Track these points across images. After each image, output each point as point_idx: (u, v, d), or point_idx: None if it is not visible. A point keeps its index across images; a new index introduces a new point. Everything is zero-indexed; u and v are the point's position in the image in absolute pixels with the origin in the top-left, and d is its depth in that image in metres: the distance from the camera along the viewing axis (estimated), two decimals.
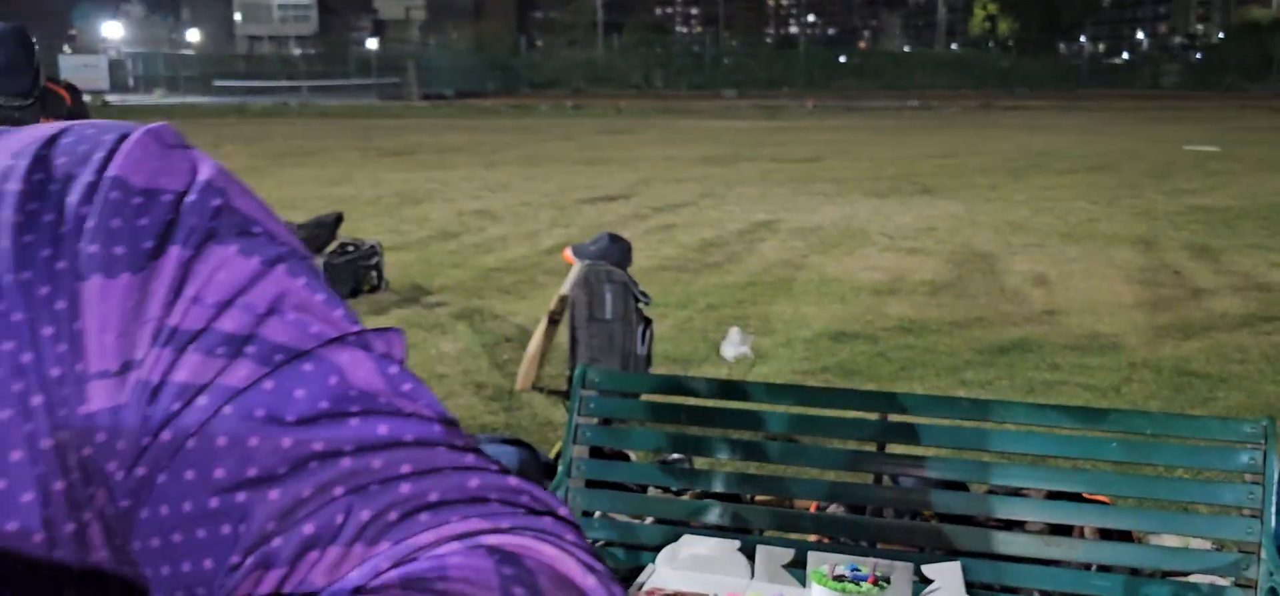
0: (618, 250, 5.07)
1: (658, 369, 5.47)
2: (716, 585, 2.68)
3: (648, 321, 5.17)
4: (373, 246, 7.82)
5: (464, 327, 6.68)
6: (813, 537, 2.88)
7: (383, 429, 0.46)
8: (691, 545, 2.80)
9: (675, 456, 3.35)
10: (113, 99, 40.80)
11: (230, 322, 0.45)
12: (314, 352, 0.46)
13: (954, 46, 64.71)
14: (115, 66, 51.28)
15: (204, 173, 0.48)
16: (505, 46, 59.79)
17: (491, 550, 0.43)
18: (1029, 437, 2.90)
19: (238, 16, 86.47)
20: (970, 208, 12.10)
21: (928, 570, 2.68)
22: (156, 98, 44.97)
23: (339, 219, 7.88)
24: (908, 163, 17.39)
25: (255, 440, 0.43)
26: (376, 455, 0.45)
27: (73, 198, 0.45)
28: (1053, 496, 2.89)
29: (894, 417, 2.86)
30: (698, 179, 15.22)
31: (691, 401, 3.05)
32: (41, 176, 0.45)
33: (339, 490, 0.43)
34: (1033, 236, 10.13)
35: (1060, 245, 9.65)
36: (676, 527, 2.86)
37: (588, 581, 0.44)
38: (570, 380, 4.77)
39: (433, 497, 0.45)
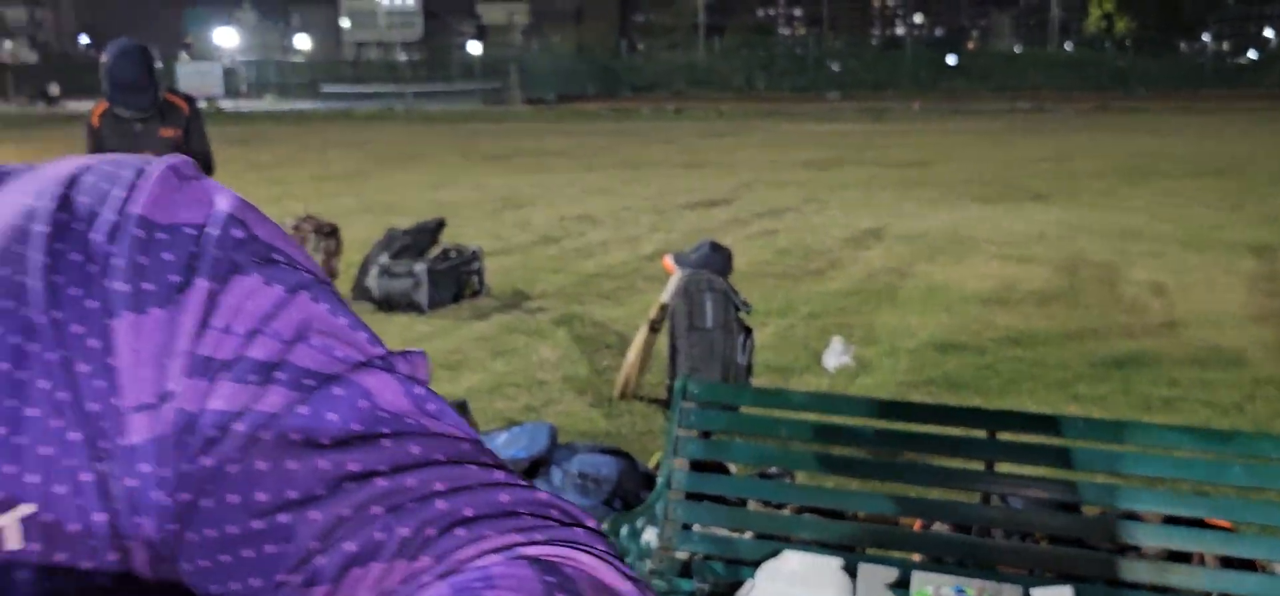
0: (718, 258, 5.04)
1: (758, 378, 5.42)
2: None
3: (748, 330, 5.12)
4: (474, 252, 7.92)
5: (564, 333, 6.72)
6: (917, 557, 2.81)
7: (415, 449, 0.47)
8: (792, 561, 2.76)
9: (775, 470, 3.30)
10: (226, 105, 42.27)
11: (260, 350, 0.46)
12: (342, 377, 0.47)
13: (1068, 46, 63.00)
14: (229, 74, 53.18)
15: (224, 205, 0.49)
16: (606, 50, 60.16)
17: (531, 560, 0.44)
18: (1145, 458, 2.78)
19: (346, 23, 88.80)
20: (1083, 214, 11.75)
21: (1037, 593, 2.60)
22: (267, 103, 46.43)
23: (441, 224, 8.01)
24: (1018, 167, 16.97)
25: (294, 464, 0.45)
26: (411, 474, 0.46)
27: (98, 236, 0.46)
28: (1171, 521, 2.77)
29: (1003, 435, 2.78)
30: (800, 183, 15.08)
31: (793, 414, 3.01)
32: (66, 217, 0.46)
33: (377, 509, 0.45)
34: (1150, 244, 9.77)
35: (1180, 253, 9.29)
36: (777, 543, 2.82)
37: (625, 586, 0.46)
38: (670, 389, 4.75)
39: (468, 513, 0.46)
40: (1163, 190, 13.70)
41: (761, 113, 35.45)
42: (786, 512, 3.02)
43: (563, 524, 0.48)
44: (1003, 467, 2.82)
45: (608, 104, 42.37)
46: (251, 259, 0.48)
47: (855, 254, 9.56)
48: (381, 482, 0.46)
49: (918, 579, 2.61)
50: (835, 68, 52.94)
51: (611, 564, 0.47)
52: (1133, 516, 2.86)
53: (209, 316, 0.46)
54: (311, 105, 43.80)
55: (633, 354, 5.34)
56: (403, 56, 66.07)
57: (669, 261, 5.25)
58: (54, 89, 48.65)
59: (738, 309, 4.97)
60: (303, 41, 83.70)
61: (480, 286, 7.80)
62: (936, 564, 2.77)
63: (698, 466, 2.99)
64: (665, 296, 5.16)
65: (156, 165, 0.49)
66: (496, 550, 0.45)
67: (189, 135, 5.05)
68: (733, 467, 3.44)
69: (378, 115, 36.96)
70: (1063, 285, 8.10)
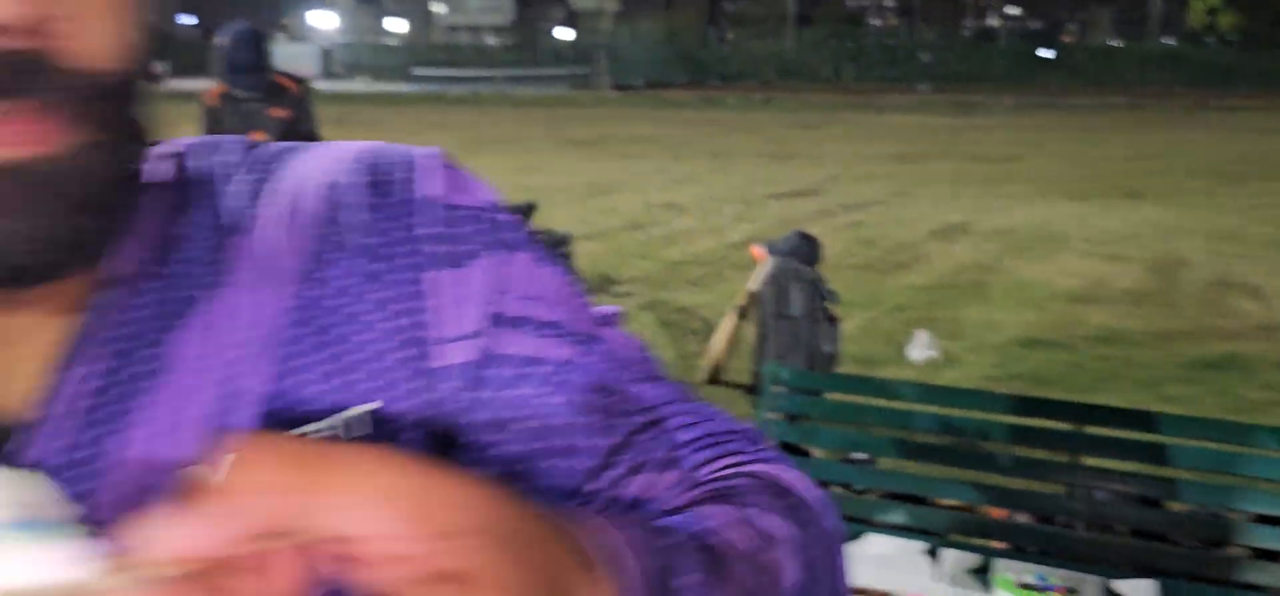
0: (807, 248, 5.10)
1: (842, 368, 5.47)
2: (899, 584, 2.70)
3: (834, 320, 5.18)
4: (564, 236, 8.07)
5: (650, 318, 6.84)
6: (998, 544, 2.86)
7: (656, 391, 0.62)
8: (875, 544, 2.84)
9: (860, 456, 3.38)
10: (322, 86, 43.16)
11: (542, 312, 0.59)
12: (597, 336, 0.61)
13: (1168, 41, 61.16)
14: (326, 55, 54.28)
15: (489, 194, 0.62)
16: (695, 38, 60.03)
17: (753, 475, 0.60)
18: (1235, 457, 2.79)
19: (438, 7, 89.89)
20: (1179, 214, 11.50)
21: (1119, 586, 2.63)
22: (360, 85, 47.22)
23: (531, 208, 8.17)
24: (1112, 164, 16.63)
25: (583, 398, 0.59)
26: (658, 411, 0.61)
27: (405, 209, 0.58)
28: (1261, 519, 2.78)
29: (1089, 429, 2.82)
30: (888, 176, 14.98)
31: (878, 401, 3.08)
32: (375, 192, 0.58)
33: (642, 436, 0.60)
34: (1248, 246, 9.54)
35: (1278, 256, 9.06)
36: (859, 526, 2.89)
37: (814, 492, 0.62)
38: (756, 375, 4.84)
39: (702, 438, 0.62)
40: (1263, 192, 13.32)
41: (850, 104, 35.10)
42: (870, 498, 3.09)
43: (759, 445, 0.64)
44: (1086, 460, 2.86)
45: (695, 92, 42.31)
46: (520, 240, 0.60)
47: (942, 248, 9.52)
48: (640, 417, 0.60)
49: (999, 565, 2.67)
50: (926, 59, 52.12)
51: (798, 474, 0.61)
52: (1220, 514, 2.87)
53: (498, 281, 0.58)
54: (404, 88, 44.48)
55: (720, 339, 5.43)
56: (493, 41, 66.73)
57: (758, 249, 5.33)
58: (158, 67, 50.07)
59: (825, 299, 5.04)
60: (397, 25, 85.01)
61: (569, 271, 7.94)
62: (1018, 553, 2.82)
63: (784, 449, 3.08)
64: (753, 284, 5.24)
65: (429, 155, 0.61)
66: (725, 466, 0.60)
67: (298, 116, 5.25)
68: (818, 452, 3.51)
69: (468, 99, 37.45)
70: (1155, 285, 7.98)
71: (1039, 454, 2.90)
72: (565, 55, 52.60)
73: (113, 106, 0.48)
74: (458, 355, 0.57)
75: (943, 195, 12.99)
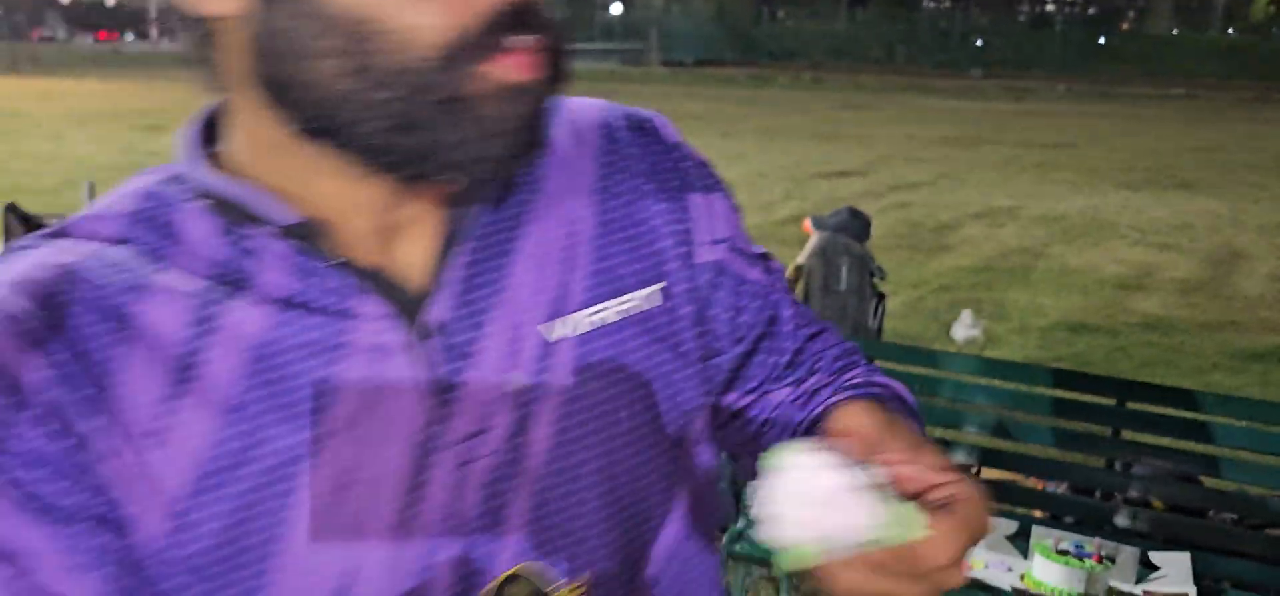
0: (857, 224, 5.16)
1: None
2: None
3: (881, 297, 5.25)
4: None
5: None
6: (1037, 513, 2.94)
7: (808, 312, 0.84)
8: None
9: None
10: None
11: (749, 246, 0.82)
12: (775, 267, 0.83)
13: (1229, 32, 59.85)
14: None
15: (698, 151, 0.82)
16: (746, 16, 59.70)
17: (880, 384, 0.79)
18: (1275, 438, 2.84)
19: None
20: (1234, 206, 11.38)
21: (1155, 557, 2.70)
22: None
23: None
24: (1167, 155, 16.43)
25: (783, 313, 0.82)
26: (809, 327, 0.84)
27: (664, 148, 0.79)
28: None
29: (1130, 405, 2.88)
30: (937, 159, 14.92)
31: (924, 371, 3.16)
32: (639, 133, 0.79)
33: (812, 345, 0.83)
34: None
35: None
36: None
37: (912, 400, 0.80)
38: None
39: (843, 352, 0.84)
40: None
41: (900, 86, 34.81)
42: None
43: (866, 360, 0.83)
44: (1127, 435, 2.92)
45: (745, 70, 42.13)
46: (721, 187, 0.82)
47: (989, 232, 9.51)
48: (804, 332, 0.83)
49: (1038, 532, 2.75)
50: (979, 44, 51.48)
51: (898, 382, 0.80)
52: (1258, 492, 2.93)
53: (728, 214, 0.80)
54: None
55: None
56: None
57: (808, 224, 5.40)
58: None
59: (873, 275, 5.10)
60: None
61: None
62: (1057, 522, 2.89)
63: None
64: (802, 257, 5.32)
65: (658, 114, 0.81)
66: (857, 376, 0.79)
67: None
68: None
69: None
70: (1206, 275, 7.94)
71: (1081, 427, 2.97)
72: (616, 31, 52.53)
73: (562, 46, 0.65)
74: (709, 256, 0.78)
75: (992, 180, 12.93)
